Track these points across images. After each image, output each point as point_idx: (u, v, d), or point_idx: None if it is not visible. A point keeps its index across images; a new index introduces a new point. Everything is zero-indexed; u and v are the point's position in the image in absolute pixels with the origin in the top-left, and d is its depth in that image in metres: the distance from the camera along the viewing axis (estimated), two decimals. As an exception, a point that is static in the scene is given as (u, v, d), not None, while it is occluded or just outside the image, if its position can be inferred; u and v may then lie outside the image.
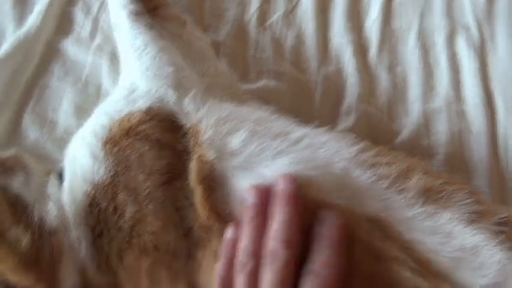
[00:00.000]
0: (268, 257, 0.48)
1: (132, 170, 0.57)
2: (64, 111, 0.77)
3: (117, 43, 0.74)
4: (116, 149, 0.59)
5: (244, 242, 0.50)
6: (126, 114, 0.61)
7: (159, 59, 0.67)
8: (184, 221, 0.55)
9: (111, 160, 0.58)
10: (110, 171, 0.57)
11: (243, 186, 0.54)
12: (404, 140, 0.76)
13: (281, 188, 0.51)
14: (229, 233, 0.52)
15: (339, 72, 0.83)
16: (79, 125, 0.74)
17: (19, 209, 0.57)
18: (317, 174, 0.54)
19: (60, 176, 0.63)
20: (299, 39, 0.86)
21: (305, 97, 0.81)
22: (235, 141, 0.57)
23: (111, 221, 0.56)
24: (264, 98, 0.78)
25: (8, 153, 0.64)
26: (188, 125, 0.60)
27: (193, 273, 0.55)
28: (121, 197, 0.56)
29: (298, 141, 0.59)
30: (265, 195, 0.52)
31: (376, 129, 0.78)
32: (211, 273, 0.54)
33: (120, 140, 0.59)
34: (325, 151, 0.58)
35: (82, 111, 0.77)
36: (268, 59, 0.84)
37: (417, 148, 0.76)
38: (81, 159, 0.60)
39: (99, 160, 0.59)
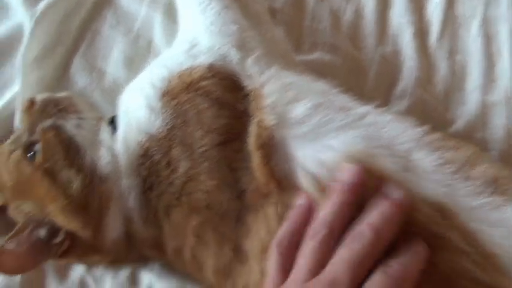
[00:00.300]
0: (351, 236, 0.46)
1: (189, 126, 0.56)
2: (113, 61, 0.75)
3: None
4: (174, 102, 0.57)
5: (326, 212, 0.48)
6: (187, 68, 0.59)
7: (224, 15, 0.65)
8: (238, 184, 0.54)
9: (168, 113, 0.56)
10: (166, 124, 0.56)
11: (305, 155, 0.52)
12: (458, 131, 0.73)
13: (391, 190, 0.48)
14: (301, 199, 0.51)
15: (395, 54, 0.80)
16: (128, 77, 0.74)
17: (72, 151, 0.56)
18: (381, 154, 0.52)
19: (112, 124, 0.62)
20: (358, 14, 0.83)
21: (358, 75, 0.78)
22: (299, 110, 0.55)
23: (162, 175, 0.55)
24: (316, 71, 0.75)
25: (62, 94, 0.63)
26: (250, 87, 0.58)
27: (241, 238, 0.54)
28: (175, 151, 0.55)
29: (362, 117, 0.57)
30: (363, 181, 0.49)
31: (429, 116, 0.75)
32: (260, 239, 0.53)
33: (180, 94, 0.57)
34: (389, 130, 0.56)
35: (131, 64, 0.75)
36: (324, 30, 0.81)
37: (470, 141, 0.73)
38: (137, 110, 0.58)
39: (155, 112, 0.57)
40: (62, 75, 0.73)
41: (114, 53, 0.75)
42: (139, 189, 0.56)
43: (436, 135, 0.57)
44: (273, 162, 0.53)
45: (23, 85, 0.69)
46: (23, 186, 0.56)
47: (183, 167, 0.54)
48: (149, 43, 0.77)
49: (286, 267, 0.47)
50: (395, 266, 0.44)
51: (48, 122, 0.58)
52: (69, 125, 0.58)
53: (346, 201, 0.48)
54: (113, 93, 0.72)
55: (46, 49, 0.73)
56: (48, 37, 0.73)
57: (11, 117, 0.69)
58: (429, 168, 0.52)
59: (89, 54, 0.75)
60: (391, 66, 0.79)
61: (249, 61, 0.61)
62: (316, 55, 0.79)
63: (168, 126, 0.56)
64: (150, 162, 0.56)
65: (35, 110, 0.60)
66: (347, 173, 0.49)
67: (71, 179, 0.55)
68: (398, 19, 0.82)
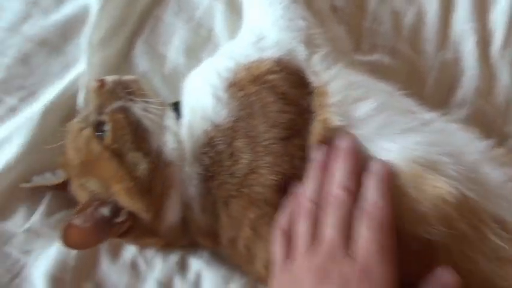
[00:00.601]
0: (330, 202, 0.51)
1: (254, 118, 0.56)
2: (174, 48, 0.75)
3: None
4: (241, 93, 0.57)
5: (308, 190, 0.53)
6: (255, 61, 0.60)
7: (292, 10, 0.65)
8: (296, 181, 0.55)
9: (234, 104, 0.57)
10: (232, 115, 0.56)
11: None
12: (515, 146, 0.72)
13: (344, 145, 0.54)
14: (298, 188, 0.54)
15: (456, 61, 0.78)
16: (187, 64, 0.74)
17: (139, 134, 0.57)
18: (445, 161, 0.52)
19: (175, 110, 0.62)
20: (419, 17, 0.81)
21: (417, 80, 0.77)
22: (363, 109, 0.55)
23: (225, 165, 0.56)
24: (375, 73, 0.74)
25: (130, 77, 0.64)
26: (315, 84, 0.58)
27: None
28: (239, 143, 0.56)
29: (428, 123, 0.57)
30: (328, 155, 0.54)
31: (488, 128, 0.73)
32: None
33: (247, 86, 0.58)
34: (457, 140, 0.55)
35: (191, 52, 0.76)
36: (384, 32, 0.80)
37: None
38: (202, 98, 0.59)
39: (222, 102, 0.57)
40: (124, 58, 0.74)
41: (175, 40, 0.76)
42: (200, 177, 0.57)
43: (500, 151, 0.57)
44: None
45: (88, 65, 0.71)
46: (90, 164, 0.58)
47: (245, 159, 0.55)
48: (210, 32, 0.77)
49: (289, 251, 0.52)
50: (368, 209, 0.50)
51: (117, 104, 0.59)
52: (137, 108, 0.59)
53: (321, 177, 0.54)
54: (173, 79, 0.74)
55: (111, 31, 0.74)
56: (113, 19, 0.74)
57: (74, 96, 0.71)
58: (494, 183, 0.52)
59: (151, 39, 0.76)
60: (450, 73, 0.78)
61: (316, 58, 0.60)
62: (375, 57, 0.78)
63: (234, 118, 0.56)
64: (214, 151, 0.56)
65: (105, 90, 0.61)
66: (315, 154, 0.55)
67: (137, 162, 0.56)
68: (461, 25, 0.80)
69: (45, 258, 0.62)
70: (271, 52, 0.61)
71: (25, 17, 0.76)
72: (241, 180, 0.55)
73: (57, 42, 0.75)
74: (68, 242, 0.55)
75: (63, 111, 0.70)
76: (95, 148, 0.57)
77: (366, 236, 0.48)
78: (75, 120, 0.62)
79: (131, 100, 0.60)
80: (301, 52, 0.61)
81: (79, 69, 0.72)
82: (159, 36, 0.76)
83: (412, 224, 0.50)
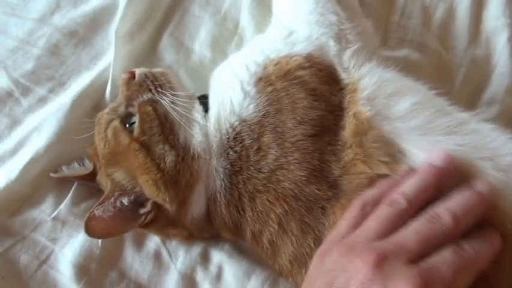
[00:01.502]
0: (429, 216, 0.46)
1: (283, 114, 0.56)
2: (200, 41, 0.76)
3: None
4: (269, 88, 0.57)
5: (410, 186, 0.49)
6: (285, 56, 0.59)
7: (323, 5, 0.64)
8: (326, 177, 0.54)
9: (263, 99, 0.57)
10: (260, 110, 0.56)
11: (414, 150, 0.52)
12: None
13: (481, 188, 0.48)
14: (396, 176, 0.51)
15: (487, 58, 0.77)
16: (213, 57, 0.75)
17: (167, 127, 0.58)
18: (484, 166, 0.51)
19: (203, 103, 0.63)
20: (450, 13, 0.80)
21: (446, 77, 0.76)
22: (403, 104, 0.54)
23: (252, 160, 0.56)
24: (402, 68, 0.73)
25: (158, 70, 0.64)
26: (346, 81, 0.58)
27: (324, 230, 0.54)
28: (267, 138, 0.55)
29: (464, 123, 0.55)
30: (452, 169, 0.50)
31: (518, 127, 0.72)
32: None
33: (276, 81, 0.57)
34: (492, 141, 0.54)
35: (217, 45, 0.76)
36: (413, 27, 0.78)
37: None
38: (230, 92, 0.59)
39: (250, 96, 0.57)
40: (151, 51, 0.75)
41: (201, 33, 0.76)
42: (227, 171, 0.57)
43: None
44: (372, 153, 0.52)
45: (115, 58, 0.71)
46: (119, 155, 0.59)
47: (273, 154, 0.55)
48: (236, 25, 0.77)
49: (357, 224, 0.48)
50: (467, 248, 0.45)
51: (146, 96, 0.60)
52: (166, 100, 0.59)
53: (431, 183, 0.49)
54: (198, 72, 0.74)
55: (138, 24, 0.74)
56: (141, 12, 0.75)
57: (103, 87, 0.71)
58: None
59: (178, 32, 0.76)
60: (480, 70, 0.76)
61: (347, 54, 0.60)
62: (403, 52, 0.77)
63: (262, 113, 0.56)
64: (241, 146, 0.56)
65: (134, 82, 0.61)
66: (439, 157, 0.50)
67: (165, 154, 0.56)
68: (493, 21, 0.78)
69: (71, 247, 0.64)
70: (301, 47, 0.60)
71: (55, 8, 0.77)
72: (269, 176, 0.55)
73: (86, 33, 0.76)
74: (90, 231, 0.56)
75: (91, 102, 0.71)
76: (123, 140, 0.58)
77: (446, 267, 0.43)
78: (105, 111, 0.63)
79: (160, 93, 0.60)
80: (332, 48, 0.60)
81: (107, 61, 0.73)
82: (185, 29, 0.77)
83: None
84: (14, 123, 0.70)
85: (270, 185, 0.55)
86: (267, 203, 0.55)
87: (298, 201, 0.54)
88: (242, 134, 0.56)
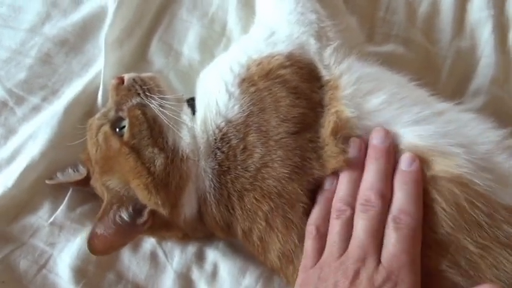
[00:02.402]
0: (361, 206, 0.52)
1: (266, 113, 0.57)
2: (189, 44, 0.77)
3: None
4: (252, 88, 0.58)
5: (342, 192, 0.54)
6: (267, 56, 0.60)
7: (303, 4, 0.65)
8: (308, 173, 0.56)
9: (246, 99, 0.58)
10: (244, 110, 0.58)
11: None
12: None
13: (375, 142, 0.54)
14: (327, 183, 0.55)
15: (472, 49, 0.78)
16: (202, 59, 0.76)
17: (156, 130, 0.59)
18: (460, 152, 0.52)
19: (191, 105, 0.64)
20: (434, 7, 0.80)
21: (431, 70, 0.77)
22: (375, 100, 0.56)
23: (239, 160, 0.57)
24: (388, 63, 0.74)
25: (147, 74, 0.66)
26: (327, 78, 0.59)
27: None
28: (252, 137, 0.57)
29: (441, 113, 0.57)
30: (364, 153, 0.55)
31: (504, 117, 0.72)
32: None
33: (258, 81, 0.59)
34: (470, 130, 0.55)
35: (206, 47, 0.77)
36: (398, 23, 0.79)
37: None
38: (215, 94, 0.60)
39: (234, 97, 0.59)
40: (141, 56, 0.76)
41: (189, 36, 0.77)
42: (216, 171, 0.58)
43: None
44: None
45: (105, 64, 0.73)
46: (110, 159, 0.60)
47: (258, 153, 0.56)
48: (223, 27, 0.78)
49: (320, 249, 0.53)
50: (399, 217, 0.50)
51: (135, 100, 0.61)
52: (154, 104, 0.61)
53: (356, 177, 0.54)
54: (188, 75, 0.75)
55: (127, 30, 0.75)
56: (129, 18, 0.76)
57: (94, 93, 0.73)
58: (507, 173, 0.52)
59: (166, 36, 0.77)
60: (466, 62, 0.77)
61: (328, 51, 0.61)
62: (388, 47, 0.78)
63: (246, 113, 0.57)
64: (228, 146, 0.58)
65: (123, 87, 0.63)
66: (351, 150, 0.55)
67: (154, 157, 0.58)
68: (478, 13, 0.79)
69: (69, 250, 0.65)
70: (282, 47, 0.62)
71: (45, 18, 0.78)
72: (255, 174, 0.56)
73: (77, 41, 0.77)
74: (94, 250, 0.58)
75: (84, 108, 0.72)
76: (113, 144, 0.60)
77: (395, 244, 0.49)
78: (95, 116, 0.64)
79: (148, 96, 0.61)
80: (312, 46, 0.62)
81: (98, 68, 0.74)
82: (174, 33, 0.78)
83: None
84: (10, 132, 0.72)
85: (256, 183, 0.56)
86: (254, 200, 0.56)
87: (282, 198, 0.55)
88: (228, 135, 0.58)
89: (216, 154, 0.58)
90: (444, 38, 0.79)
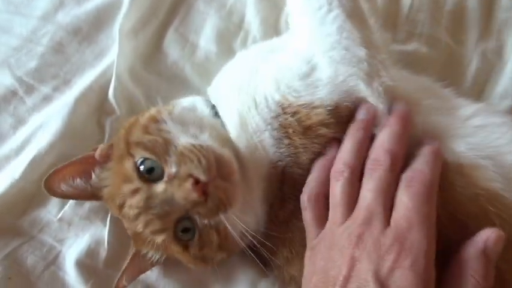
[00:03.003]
0: (370, 165, 0.49)
1: (299, 168, 0.54)
2: (205, 36, 0.74)
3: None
4: (287, 141, 0.54)
5: (343, 153, 0.51)
6: (305, 105, 0.53)
7: (347, 35, 0.55)
8: None
9: (282, 149, 0.54)
10: (280, 159, 0.54)
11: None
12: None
13: (397, 107, 0.52)
14: (327, 151, 0.53)
15: (499, 50, 0.75)
16: (219, 52, 0.73)
17: (225, 243, 0.57)
18: (487, 164, 0.50)
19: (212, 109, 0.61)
20: (460, 6, 0.78)
21: (456, 70, 0.74)
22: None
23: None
24: (411, 63, 0.72)
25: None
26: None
27: None
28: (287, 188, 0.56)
29: (468, 118, 0.54)
30: (373, 116, 0.52)
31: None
32: None
33: (294, 136, 0.53)
34: (498, 138, 0.53)
35: (223, 39, 0.74)
36: (422, 21, 0.76)
37: None
38: (253, 122, 0.55)
39: (274, 139, 0.54)
40: (155, 47, 0.74)
41: (206, 28, 0.75)
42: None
43: None
44: None
45: (119, 55, 0.70)
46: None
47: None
48: (241, 20, 0.75)
49: (321, 218, 0.51)
50: (412, 175, 0.47)
51: (213, 221, 0.55)
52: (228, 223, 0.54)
53: (360, 138, 0.51)
54: (204, 67, 0.73)
55: (142, 20, 0.73)
56: (145, 8, 0.74)
57: (107, 84, 0.70)
58: None
59: (182, 27, 0.75)
60: (492, 63, 0.74)
61: (378, 93, 0.54)
62: (412, 46, 0.75)
63: (282, 163, 0.54)
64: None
65: (206, 206, 0.53)
66: (360, 112, 0.52)
67: (213, 256, 0.58)
68: (505, 13, 0.76)
69: (78, 247, 0.63)
70: (324, 93, 0.53)
71: (58, 6, 0.76)
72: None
73: (90, 31, 0.75)
74: None
75: (95, 99, 0.70)
76: (173, 248, 0.56)
77: (406, 203, 0.46)
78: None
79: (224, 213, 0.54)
80: (362, 92, 0.54)
81: (111, 58, 0.71)
82: (190, 24, 0.75)
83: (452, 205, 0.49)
84: (19, 122, 0.69)
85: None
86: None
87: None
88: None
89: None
90: (470, 38, 0.76)
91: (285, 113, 0.53)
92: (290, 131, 0.53)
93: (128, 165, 0.54)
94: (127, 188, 0.54)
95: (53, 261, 0.62)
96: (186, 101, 0.63)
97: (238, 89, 0.58)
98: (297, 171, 0.54)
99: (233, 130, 0.58)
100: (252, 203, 0.57)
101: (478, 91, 0.73)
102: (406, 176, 0.47)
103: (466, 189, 0.49)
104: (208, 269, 0.60)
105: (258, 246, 0.55)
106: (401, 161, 0.49)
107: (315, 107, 0.53)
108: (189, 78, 0.73)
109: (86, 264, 0.62)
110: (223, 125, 0.59)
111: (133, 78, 0.72)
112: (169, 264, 0.63)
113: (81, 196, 0.61)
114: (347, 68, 0.54)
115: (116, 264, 0.63)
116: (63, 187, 0.59)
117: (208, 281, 0.63)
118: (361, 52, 0.54)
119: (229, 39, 0.75)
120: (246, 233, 0.54)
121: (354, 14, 0.56)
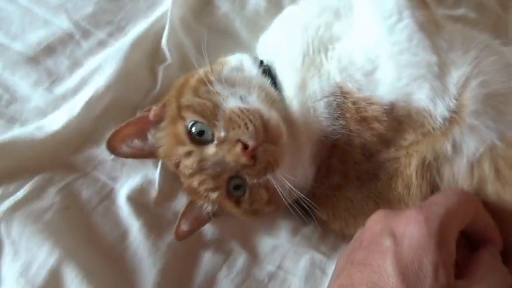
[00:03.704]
0: None
1: (353, 148, 0.58)
2: (256, -10, 0.75)
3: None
4: (342, 121, 0.57)
5: None
6: (364, 98, 0.55)
7: (418, 42, 0.54)
8: None
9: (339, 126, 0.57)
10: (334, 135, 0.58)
11: None
12: None
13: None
14: None
15: (546, 19, 0.75)
16: (268, 7, 0.74)
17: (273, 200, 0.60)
18: None
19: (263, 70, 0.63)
20: (510, -29, 0.78)
21: (503, 36, 0.74)
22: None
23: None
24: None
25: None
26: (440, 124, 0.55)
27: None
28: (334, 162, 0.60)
29: None
30: None
31: None
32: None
33: (350, 120, 0.56)
34: None
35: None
36: (471, -14, 0.77)
37: None
38: (313, 88, 0.58)
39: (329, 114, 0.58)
40: (207, -2, 0.75)
41: (257, -21, 0.75)
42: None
43: None
44: None
45: (173, 5, 0.72)
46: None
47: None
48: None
49: None
50: None
51: (262, 180, 0.58)
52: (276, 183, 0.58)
53: None
54: (254, 21, 0.74)
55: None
56: (198, -40, 0.74)
57: (160, 33, 0.72)
58: None
59: (233, -19, 0.75)
60: (540, 32, 0.75)
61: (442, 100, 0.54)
62: (460, 11, 0.76)
63: (333, 137, 0.58)
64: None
65: (254, 168, 0.56)
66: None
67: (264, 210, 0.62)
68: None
69: (129, 185, 0.65)
70: (383, 91, 0.55)
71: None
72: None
73: (145, -20, 0.75)
74: (179, 239, 0.61)
75: (148, 47, 0.72)
76: (227, 204, 0.60)
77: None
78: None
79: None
80: (423, 100, 0.54)
81: (164, 8, 0.73)
82: (241, -22, 0.76)
83: None
84: (75, 64, 0.71)
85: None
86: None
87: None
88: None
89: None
90: (518, 5, 0.76)
91: (344, 97, 0.56)
92: (348, 115, 0.56)
93: (180, 127, 0.58)
94: (181, 150, 0.58)
95: (107, 196, 0.65)
96: (233, 60, 0.65)
97: (302, 52, 0.60)
98: (347, 148, 0.57)
99: (291, 89, 0.60)
100: (300, 163, 0.60)
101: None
102: None
103: None
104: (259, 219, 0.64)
105: (304, 201, 0.58)
106: None
107: (372, 103, 0.55)
108: (238, 32, 0.74)
109: (138, 201, 0.64)
110: (271, 84, 0.61)
111: (184, 28, 0.73)
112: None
113: (140, 155, 0.64)
114: (412, 71, 0.54)
115: (165, 205, 0.65)
116: (124, 148, 0.62)
117: (252, 225, 0.66)
118: (431, 58, 0.54)
119: (282, -6, 0.75)
120: (293, 192, 0.57)
121: (426, 26, 0.55)
